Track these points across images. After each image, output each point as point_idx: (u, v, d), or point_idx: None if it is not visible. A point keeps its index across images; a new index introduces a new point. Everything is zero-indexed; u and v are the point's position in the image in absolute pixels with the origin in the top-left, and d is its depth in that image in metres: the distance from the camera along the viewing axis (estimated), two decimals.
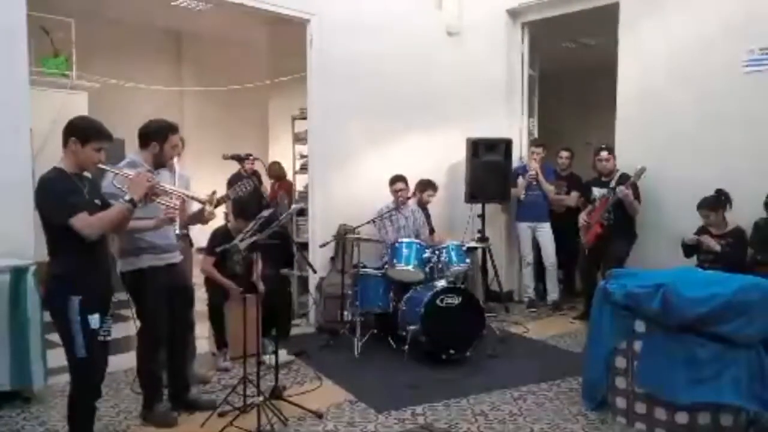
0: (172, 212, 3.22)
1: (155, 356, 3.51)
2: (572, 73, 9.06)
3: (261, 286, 4.37)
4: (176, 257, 3.57)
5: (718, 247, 4.54)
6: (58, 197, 2.67)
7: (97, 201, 2.84)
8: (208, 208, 3.34)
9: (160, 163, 3.47)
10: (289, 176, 7.02)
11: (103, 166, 2.86)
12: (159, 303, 3.42)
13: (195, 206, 3.57)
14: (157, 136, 3.42)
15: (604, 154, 5.55)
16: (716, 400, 3.16)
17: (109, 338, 2.88)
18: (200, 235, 4.62)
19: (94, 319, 2.73)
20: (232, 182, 5.57)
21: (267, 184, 7.11)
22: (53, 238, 2.74)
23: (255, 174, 5.21)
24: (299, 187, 6.78)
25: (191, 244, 4.37)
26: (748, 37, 4.89)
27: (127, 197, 2.76)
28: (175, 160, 3.70)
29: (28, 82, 4.19)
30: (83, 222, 2.65)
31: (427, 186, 5.86)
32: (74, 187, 2.73)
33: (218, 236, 4.52)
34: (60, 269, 2.74)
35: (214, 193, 3.31)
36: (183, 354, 3.76)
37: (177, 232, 3.50)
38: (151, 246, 3.39)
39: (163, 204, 3.11)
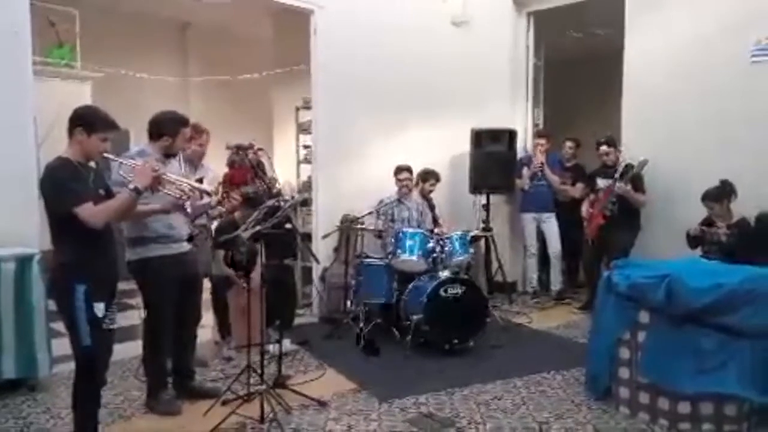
0: (182, 199, 3.21)
1: (160, 345, 3.53)
2: (581, 62, 8.97)
3: (256, 281, 4.32)
4: (184, 246, 3.56)
5: (724, 237, 4.50)
6: (63, 186, 2.67)
7: (101, 190, 2.83)
8: (214, 198, 3.35)
9: (170, 153, 3.49)
10: (293, 167, 6.99)
11: (108, 156, 2.87)
12: (165, 292, 3.43)
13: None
14: (169, 130, 3.44)
15: (603, 148, 5.52)
16: (720, 390, 3.15)
17: (113, 327, 2.88)
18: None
19: (99, 308, 2.73)
20: (230, 165, 5.54)
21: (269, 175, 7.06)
22: (58, 227, 2.74)
23: (259, 165, 5.19)
24: (303, 177, 6.78)
25: (211, 235, 4.37)
26: (757, 28, 4.85)
27: (131, 186, 2.76)
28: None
29: (32, 74, 4.18)
30: (89, 211, 2.65)
31: (428, 175, 5.72)
32: (79, 177, 2.72)
33: (225, 227, 4.50)
34: (65, 258, 2.74)
35: (219, 184, 3.33)
36: (188, 343, 3.77)
37: (197, 222, 3.48)
38: (158, 236, 3.40)
39: (170, 194, 3.11)
